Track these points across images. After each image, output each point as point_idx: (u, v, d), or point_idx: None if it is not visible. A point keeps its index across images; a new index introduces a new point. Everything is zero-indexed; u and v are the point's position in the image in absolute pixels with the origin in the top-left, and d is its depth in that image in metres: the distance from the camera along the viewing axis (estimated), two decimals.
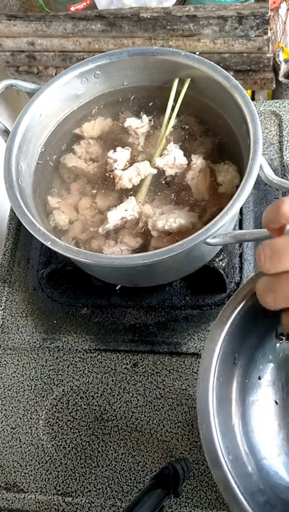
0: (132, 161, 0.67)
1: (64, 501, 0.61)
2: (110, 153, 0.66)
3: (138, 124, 0.69)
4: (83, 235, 0.64)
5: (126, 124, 0.69)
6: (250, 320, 0.48)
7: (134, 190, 0.66)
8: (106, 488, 0.61)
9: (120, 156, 0.66)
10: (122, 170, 0.65)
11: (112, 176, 0.66)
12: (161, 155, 0.66)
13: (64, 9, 0.92)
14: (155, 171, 0.65)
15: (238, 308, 0.47)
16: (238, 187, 0.55)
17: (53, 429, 0.65)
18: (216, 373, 0.45)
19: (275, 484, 0.48)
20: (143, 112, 0.71)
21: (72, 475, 0.62)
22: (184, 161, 0.65)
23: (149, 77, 0.70)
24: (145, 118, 0.69)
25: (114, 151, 0.67)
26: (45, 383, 0.68)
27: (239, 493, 0.41)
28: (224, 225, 0.53)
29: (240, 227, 0.71)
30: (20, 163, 0.62)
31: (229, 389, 0.50)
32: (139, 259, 0.53)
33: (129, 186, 0.65)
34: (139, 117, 0.70)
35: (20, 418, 0.66)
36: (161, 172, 0.66)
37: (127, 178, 0.64)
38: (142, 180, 0.65)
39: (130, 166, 0.66)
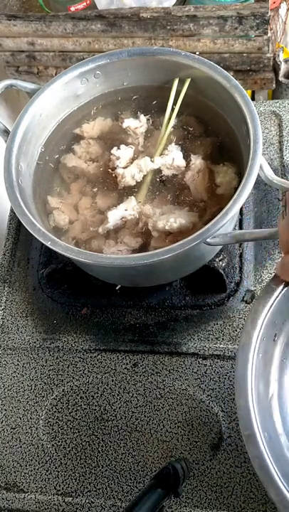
0: (134, 160, 0.67)
1: (64, 501, 0.61)
2: (114, 150, 0.67)
3: (136, 124, 0.69)
4: (83, 235, 0.64)
5: (124, 125, 0.69)
6: None
7: (134, 189, 0.66)
8: (106, 488, 0.61)
9: (123, 153, 0.66)
10: (124, 168, 0.65)
11: (113, 175, 0.66)
12: (161, 155, 0.66)
13: (64, 9, 0.92)
14: (157, 166, 0.65)
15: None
16: (236, 189, 0.55)
17: (53, 429, 0.65)
18: (256, 348, 0.44)
19: None
20: (140, 111, 0.71)
21: (72, 475, 0.62)
22: (182, 162, 0.65)
23: (149, 77, 0.70)
24: (143, 118, 0.69)
25: (118, 148, 0.67)
26: (45, 383, 0.68)
27: (274, 472, 0.40)
28: (224, 225, 0.53)
29: (240, 227, 0.71)
30: (21, 163, 0.62)
31: (268, 366, 0.48)
32: (139, 259, 0.53)
33: (133, 183, 0.65)
34: (137, 117, 0.70)
35: (20, 418, 0.66)
36: (160, 172, 0.66)
37: (129, 175, 0.65)
38: (145, 177, 0.66)
39: (131, 164, 0.66)
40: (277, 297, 0.45)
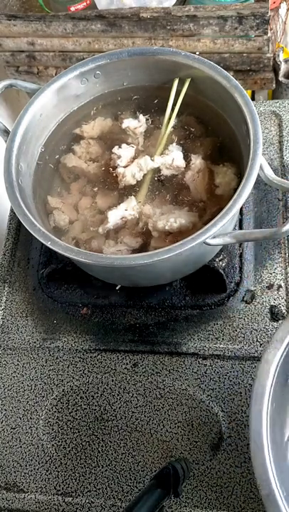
0: (134, 160, 0.67)
1: (64, 501, 0.61)
2: (115, 149, 0.67)
3: (136, 124, 0.69)
4: (83, 235, 0.64)
5: (124, 126, 0.69)
6: None
7: (135, 189, 0.66)
8: (106, 488, 0.61)
9: (124, 152, 0.66)
10: (124, 167, 0.66)
11: (114, 175, 0.66)
12: (161, 154, 0.66)
13: (64, 9, 0.92)
14: (157, 165, 0.65)
15: None
16: (235, 190, 0.55)
17: (53, 429, 0.65)
18: (270, 398, 0.42)
19: None
20: (140, 112, 0.71)
21: (72, 475, 0.62)
22: (181, 163, 0.65)
23: (149, 77, 0.70)
24: (142, 118, 0.69)
25: (120, 147, 0.67)
26: (45, 383, 0.68)
27: None
28: (224, 225, 0.53)
29: (240, 227, 0.71)
30: (21, 163, 0.62)
31: (282, 413, 0.47)
32: (139, 259, 0.53)
33: (133, 182, 0.65)
34: (136, 117, 0.70)
35: (21, 418, 0.66)
36: (159, 171, 0.66)
37: (130, 174, 0.65)
38: (145, 176, 0.66)
39: (132, 163, 0.66)
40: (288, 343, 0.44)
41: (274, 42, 0.90)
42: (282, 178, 0.74)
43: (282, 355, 0.44)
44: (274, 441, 0.42)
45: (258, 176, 0.56)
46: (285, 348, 0.44)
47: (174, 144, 0.67)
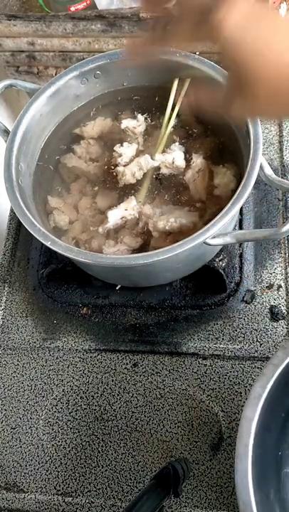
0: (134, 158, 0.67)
1: (64, 501, 0.61)
2: (117, 147, 0.67)
3: (134, 124, 0.69)
4: (83, 235, 0.64)
5: (123, 126, 0.69)
6: (280, 393, 0.47)
7: (135, 188, 0.66)
8: (106, 488, 0.61)
9: (126, 151, 0.66)
10: (124, 166, 0.66)
11: (114, 174, 0.66)
12: (162, 153, 0.66)
13: (64, 9, 0.92)
14: (157, 163, 0.65)
15: (271, 383, 0.45)
16: (233, 191, 0.55)
17: (53, 429, 0.65)
18: (253, 454, 0.43)
19: None
20: (140, 112, 0.71)
21: (72, 475, 0.62)
22: (182, 163, 0.65)
23: (149, 77, 0.70)
24: (141, 117, 0.69)
25: (121, 145, 0.67)
26: (45, 383, 0.68)
27: None
28: (224, 225, 0.53)
29: (240, 227, 0.71)
30: (21, 163, 0.62)
31: (267, 469, 0.48)
32: (139, 259, 0.53)
33: (133, 181, 0.65)
34: (135, 117, 0.70)
35: (20, 418, 0.66)
36: (158, 169, 0.66)
37: (130, 173, 0.65)
38: (145, 175, 0.65)
39: (132, 162, 0.66)
40: (266, 396, 0.45)
41: None
42: (282, 178, 0.74)
43: (261, 409, 0.45)
44: (261, 497, 0.43)
45: (258, 175, 0.56)
46: (264, 402, 0.45)
47: (177, 143, 0.67)
